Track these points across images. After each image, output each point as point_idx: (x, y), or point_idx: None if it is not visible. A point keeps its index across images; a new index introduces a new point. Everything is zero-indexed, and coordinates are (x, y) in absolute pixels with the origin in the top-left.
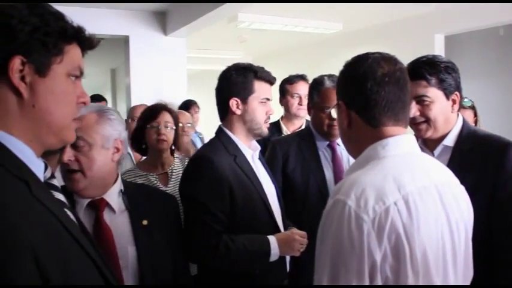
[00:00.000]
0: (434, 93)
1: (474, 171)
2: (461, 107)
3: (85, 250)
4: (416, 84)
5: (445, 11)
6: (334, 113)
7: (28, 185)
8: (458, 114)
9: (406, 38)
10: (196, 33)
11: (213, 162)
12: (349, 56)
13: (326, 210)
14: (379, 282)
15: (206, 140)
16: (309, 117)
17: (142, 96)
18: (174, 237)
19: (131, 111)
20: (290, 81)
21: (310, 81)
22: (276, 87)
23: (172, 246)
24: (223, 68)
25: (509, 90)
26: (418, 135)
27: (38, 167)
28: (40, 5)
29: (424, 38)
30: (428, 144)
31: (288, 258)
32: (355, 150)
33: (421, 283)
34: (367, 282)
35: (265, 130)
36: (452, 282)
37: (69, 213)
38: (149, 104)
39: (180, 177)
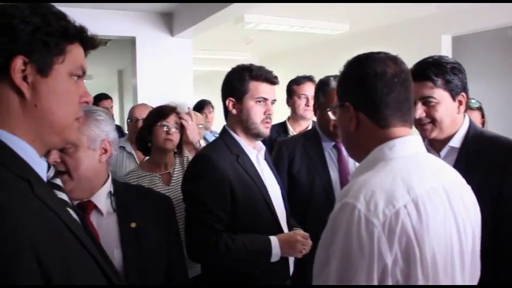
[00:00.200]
0: (440, 94)
1: (480, 173)
2: (469, 108)
3: (87, 249)
4: (422, 85)
5: (452, 12)
6: (332, 115)
7: (30, 185)
8: (464, 115)
9: (412, 39)
10: (202, 34)
11: (213, 161)
12: None
13: (334, 213)
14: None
15: None
16: (315, 119)
17: (149, 96)
18: (168, 238)
19: (131, 111)
20: (297, 82)
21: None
22: (283, 88)
23: (165, 247)
24: (230, 69)
25: None
26: (424, 136)
27: (40, 166)
28: (42, 5)
29: (431, 38)
30: (434, 145)
31: (291, 259)
32: (360, 152)
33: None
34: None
35: (263, 130)
36: (459, 283)
37: (71, 212)
38: (150, 104)
39: (180, 176)
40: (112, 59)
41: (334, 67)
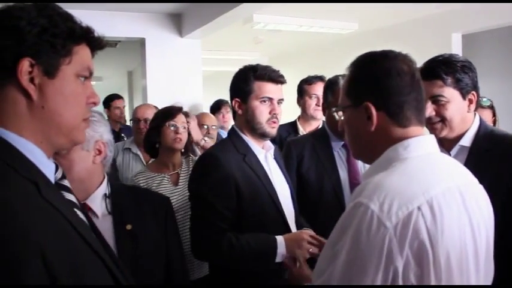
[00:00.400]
0: (450, 93)
1: (491, 172)
2: (480, 106)
3: (94, 250)
4: (432, 84)
5: (462, 10)
6: (337, 115)
7: (38, 187)
8: (475, 114)
9: (422, 38)
10: (211, 34)
11: (219, 160)
12: None
13: (346, 212)
14: None
15: None
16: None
17: (159, 97)
18: (167, 240)
19: (134, 112)
20: (308, 81)
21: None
22: (292, 88)
23: (163, 248)
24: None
25: None
26: (434, 135)
27: (48, 168)
28: (49, 6)
29: (441, 37)
30: (444, 144)
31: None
32: (371, 153)
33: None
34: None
35: (269, 130)
36: (474, 283)
37: (79, 213)
38: (160, 104)
39: (188, 176)
40: (122, 60)
41: (343, 66)
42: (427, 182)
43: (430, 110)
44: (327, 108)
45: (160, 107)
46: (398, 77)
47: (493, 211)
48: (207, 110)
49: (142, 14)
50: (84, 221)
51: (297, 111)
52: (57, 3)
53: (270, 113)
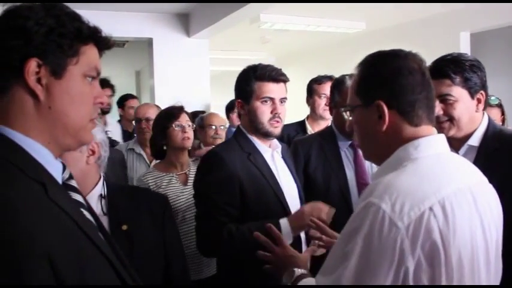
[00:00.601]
0: (458, 92)
1: (500, 172)
2: (488, 105)
3: (101, 250)
4: (440, 83)
5: (470, 9)
6: (346, 115)
7: (45, 187)
8: (484, 113)
9: (431, 36)
10: (219, 34)
11: (222, 158)
12: None
13: (356, 212)
14: None
15: None
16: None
17: (166, 97)
18: (165, 239)
19: (135, 112)
20: (318, 81)
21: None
22: (300, 87)
23: (161, 248)
24: None
25: None
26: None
27: (55, 168)
28: (57, 6)
29: (450, 35)
30: (453, 144)
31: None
32: (381, 153)
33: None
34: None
35: (271, 129)
36: (484, 283)
37: (86, 213)
38: (167, 104)
39: None
40: (129, 60)
41: (351, 66)
42: (438, 182)
43: (437, 109)
44: (333, 107)
45: (163, 107)
46: (410, 76)
47: (501, 210)
48: (214, 109)
49: (150, 14)
50: (91, 221)
51: (305, 111)
52: (65, 3)
53: (271, 112)
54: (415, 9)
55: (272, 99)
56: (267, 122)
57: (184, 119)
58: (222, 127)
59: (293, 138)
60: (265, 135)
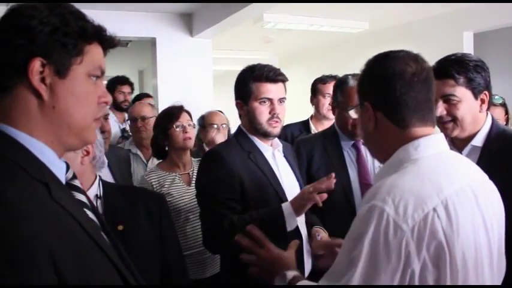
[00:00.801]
0: (462, 93)
1: (503, 172)
2: (492, 104)
3: (104, 251)
4: (443, 83)
5: (474, 8)
6: (353, 114)
7: (48, 188)
8: (487, 114)
9: (434, 36)
10: (222, 34)
11: (222, 156)
12: None
13: (360, 215)
14: None
15: None
16: None
17: (169, 96)
18: (162, 239)
19: (130, 111)
20: (322, 81)
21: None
22: (303, 87)
23: (158, 248)
24: None
25: None
26: (445, 134)
27: (59, 168)
28: (61, 5)
29: (453, 35)
30: (456, 144)
31: (307, 260)
32: (380, 152)
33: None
34: None
35: (270, 130)
36: (488, 283)
37: (89, 213)
38: (166, 103)
39: None
40: (132, 59)
41: (354, 66)
42: (440, 182)
43: (441, 109)
44: (336, 107)
45: (166, 106)
46: (392, 77)
47: (504, 211)
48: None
49: (153, 14)
50: (94, 221)
51: (309, 110)
52: (69, 3)
53: (270, 113)
54: (419, 9)
55: (270, 99)
56: (266, 122)
57: (185, 119)
58: (224, 125)
59: (297, 137)
60: (265, 135)
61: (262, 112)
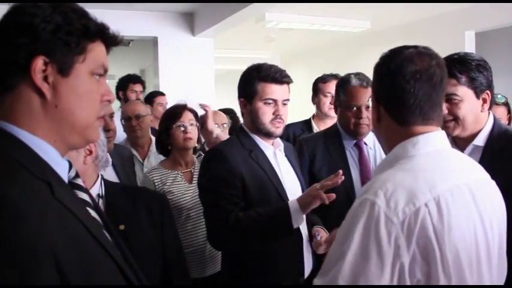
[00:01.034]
0: (463, 92)
1: (505, 172)
2: (494, 103)
3: (106, 250)
4: (445, 82)
5: (475, 8)
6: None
7: (50, 187)
8: (489, 113)
9: (435, 36)
10: (223, 33)
11: (223, 153)
12: (378, 54)
13: (352, 209)
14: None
15: None
16: None
17: (171, 95)
18: (163, 239)
19: (124, 110)
20: (323, 80)
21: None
22: (305, 86)
23: (159, 248)
24: None
25: None
26: (446, 133)
27: (62, 167)
28: (64, 3)
29: (454, 35)
30: (458, 143)
31: (307, 258)
32: (385, 145)
33: (454, 284)
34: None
35: (272, 130)
36: (487, 282)
37: (91, 211)
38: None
39: None
40: (134, 58)
41: (355, 65)
42: (433, 179)
43: (443, 108)
44: (338, 106)
45: (168, 106)
46: (393, 73)
47: (506, 211)
48: (219, 108)
49: (155, 13)
50: (96, 220)
51: (311, 109)
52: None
53: (273, 114)
54: (420, 8)
55: (275, 100)
56: (269, 122)
57: (186, 118)
58: (225, 125)
59: (299, 136)
60: (267, 135)
61: (266, 112)
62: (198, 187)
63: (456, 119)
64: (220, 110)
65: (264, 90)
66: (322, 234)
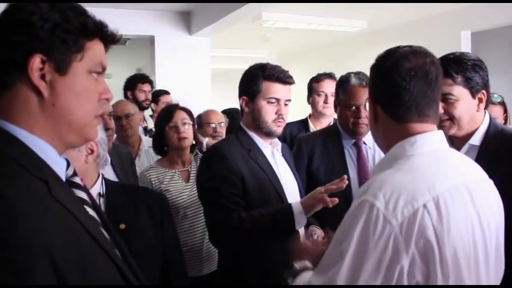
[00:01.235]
0: (459, 92)
1: (501, 171)
2: (491, 102)
3: (104, 250)
4: (441, 82)
5: (471, 8)
6: (366, 107)
7: (48, 185)
8: (485, 112)
9: (432, 35)
10: (220, 32)
11: (223, 152)
12: (374, 54)
13: (351, 210)
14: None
15: None
16: (336, 116)
17: None
18: (163, 239)
19: (114, 109)
20: (317, 79)
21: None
22: (302, 86)
23: (159, 248)
24: (247, 67)
25: None
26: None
27: (59, 165)
28: (63, 2)
29: (450, 35)
30: (454, 143)
31: None
32: (383, 145)
33: (452, 284)
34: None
35: (274, 129)
36: (484, 282)
37: (89, 210)
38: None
39: None
40: (131, 57)
41: (352, 64)
42: (432, 179)
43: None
44: (338, 105)
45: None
46: (389, 71)
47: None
48: (215, 108)
49: (151, 12)
50: (95, 219)
51: (307, 109)
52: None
53: (276, 113)
54: (416, 8)
55: (278, 100)
56: (271, 121)
57: (179, 118)
58: (222, 124)
59: (295, 136)
60: (268, 134)
61: (268, 111)
62: (197, 186)
63: (452, 118)
64: (225, 110)
65: (268, 89)
66: (318, 233)
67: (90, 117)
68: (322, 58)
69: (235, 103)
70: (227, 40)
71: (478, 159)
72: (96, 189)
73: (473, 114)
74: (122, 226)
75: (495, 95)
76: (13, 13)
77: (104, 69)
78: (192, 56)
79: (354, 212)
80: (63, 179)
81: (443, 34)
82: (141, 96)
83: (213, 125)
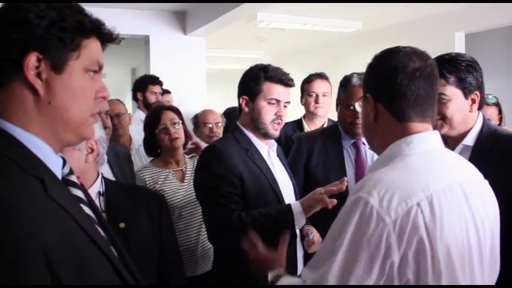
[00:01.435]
0: (452, 92)
1: (494, 171)
2: (486, 103)
3: (101, 249)
4: None
5: (465, 9)
6: (358, 107)
7: (43, 184)
8: (479, 113)
9: (426, 37)
10: (215, 32)
11: (221, 151)
12: (369, 54)
13: (346, 207)
14: (396, 283)
15: None
16: (329, 116)
17: None
18: (162, 238)
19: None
20: (308, 80)
21: (331, 80)
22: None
23: (158, 247)
24: (242, 67)
25: None
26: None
27: (55, 163)
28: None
29: (445, 36)
30: (449, 143)
31: (300, 259)
32: (379, 145)
33: (445, 284)
34: (375, 282)
35: (271, 131)
36: (479, 282)
37: (85, 208)
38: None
39: (193, 173)
40: (125, 57)
41: (346, 65)
42: (427, 178)
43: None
44: (339, 104)
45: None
46: (394, 70)
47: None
48: (210, 108)
49: (146, 12)
50: (90, 217)
51: (302, 109)
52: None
53: (275, 114)
54: (411, 9)
55: (278, 101)
56: (270, 123)
57: (167, 119)
58: (218, 124)
59: (290, 136)
60: (265, 135)
61: (268, 112)
62: (195, 185)
63: (443, 118)
64: (228, 109)
65: (270, 90)
66: (314, 233)
67: (87, 116)
68: (317, 59)
69: (230, 103)
70: (222, 40)
71: (472, 160)
72: (96, 188)
73: (465, 115)
74: (122, 225)
75: (490, 96)
76: (9, 11)
77: (100, 67)
78: (187, 56)
79: (348, 209)
80: (59, 177)
81: (437, 35)
82: (152, 98)
83: (210, 125)
